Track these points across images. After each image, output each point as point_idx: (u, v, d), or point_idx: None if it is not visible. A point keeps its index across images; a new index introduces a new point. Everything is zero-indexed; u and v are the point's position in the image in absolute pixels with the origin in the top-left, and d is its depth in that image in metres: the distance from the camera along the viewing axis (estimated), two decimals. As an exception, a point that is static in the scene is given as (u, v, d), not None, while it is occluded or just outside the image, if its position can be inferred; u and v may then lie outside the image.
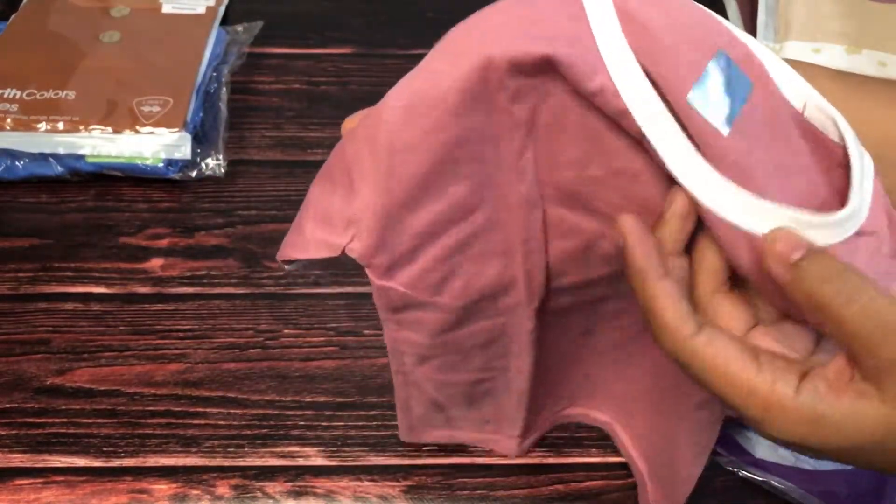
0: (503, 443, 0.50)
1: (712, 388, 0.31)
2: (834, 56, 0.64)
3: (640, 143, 0.32)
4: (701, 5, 0.33)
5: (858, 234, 0.32)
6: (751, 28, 0.71)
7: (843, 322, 0.29)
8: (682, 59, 0.31)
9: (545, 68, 0.32)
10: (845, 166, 0.33)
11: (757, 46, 0.33)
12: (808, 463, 0.50)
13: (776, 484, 0.50)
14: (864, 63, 0.64)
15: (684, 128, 0.31)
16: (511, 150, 0.34)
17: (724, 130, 0.31)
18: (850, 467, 0.49)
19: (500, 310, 0.40)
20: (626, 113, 0.32)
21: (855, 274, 0.29)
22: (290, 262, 0.38)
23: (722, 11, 0.79)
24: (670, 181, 0.32)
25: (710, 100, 0.31)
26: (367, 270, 0.37)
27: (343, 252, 0.36)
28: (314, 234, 0.36)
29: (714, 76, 0.31)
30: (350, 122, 0.36)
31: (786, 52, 0.65)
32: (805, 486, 0.49)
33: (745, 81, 0.32)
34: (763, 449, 0.50)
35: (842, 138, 0.33)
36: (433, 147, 0.33)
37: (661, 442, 0.46)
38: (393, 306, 0.39)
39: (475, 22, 0.32)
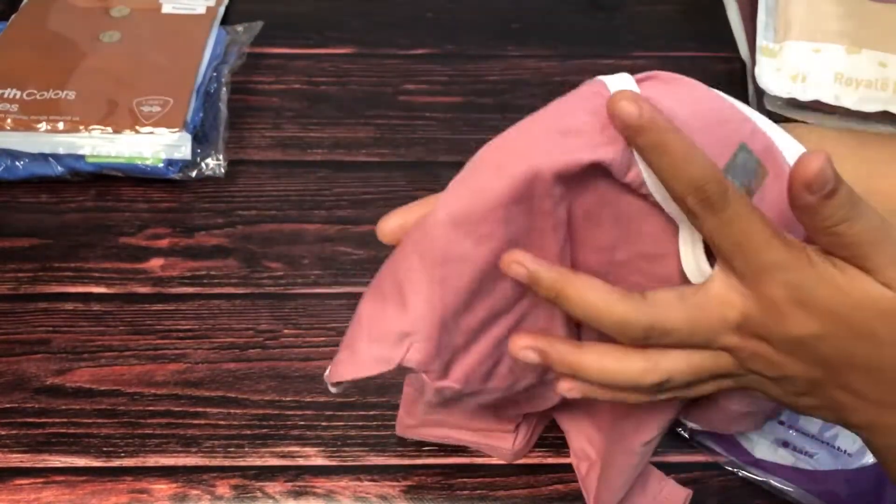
0: (498, 441, 0.50)
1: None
2: (834, 56, 0.65)
3: (665, 226, 0.35)
4: (726, 97, 0.36)
5: None
6: (751, 28, 0.71)
7: (843, 237, 0.33)
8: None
9: (585, 172, 0.34)
10: None
11: (778, 135, 0.36)
12: (807, 463, 0.50)
13: (776, 484, 0.50)
14: (864, 63, 0.64)
15: None
16: (553, 246, 0.36)
17: None
18: (850, 467, 0.49)
19: (541, 380, 0.43)
20: (652, 198, 0.35)
21: (860, 200, 0.33)
22: (338, 383, 0.38)
23: (722, 11, 0.79)
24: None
25: None
26: (425, 375, 0.38)
27: (399, 364, 0.36)
28: (369, 352, 0.37)
29: (734, 170, 0.34)
30: (385, 223, 0.37)
31: (785, 52, 0.65)
32: (805, 487, 0.49)
33: (761, 170, 0.35)
34: (763, 449, 0.50)
35: None
36: (483, 254, 0.35)
37: (606, 466, 0.48)
38: (445, 399, 0.41)
39: (516, 135, 0.34)
